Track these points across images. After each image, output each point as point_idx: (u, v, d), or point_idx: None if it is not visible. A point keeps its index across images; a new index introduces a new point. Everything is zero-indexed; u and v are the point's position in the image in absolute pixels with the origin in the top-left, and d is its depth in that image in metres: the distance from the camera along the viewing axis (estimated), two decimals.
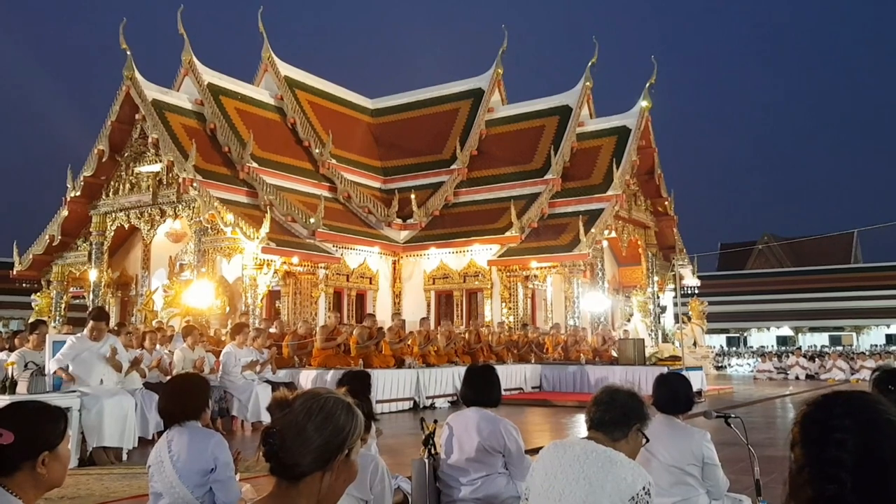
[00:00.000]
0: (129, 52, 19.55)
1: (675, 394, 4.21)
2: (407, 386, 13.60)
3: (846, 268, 54.03)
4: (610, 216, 21.10)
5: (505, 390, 15.01)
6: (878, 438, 1.32)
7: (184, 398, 3.78)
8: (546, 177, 22.28)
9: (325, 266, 19.76)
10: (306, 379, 12.71)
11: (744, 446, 4.56)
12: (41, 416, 2.16)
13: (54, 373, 7.42)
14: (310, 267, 19.29)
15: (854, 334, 49.28)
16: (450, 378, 14.33)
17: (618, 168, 21.44)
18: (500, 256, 21.06)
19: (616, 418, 2.86)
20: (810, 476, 1.33)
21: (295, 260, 18.56)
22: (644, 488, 2.59)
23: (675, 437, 4.09)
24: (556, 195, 21.99)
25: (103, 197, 20.56)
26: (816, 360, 29.76)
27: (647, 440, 2.98)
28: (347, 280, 20.93)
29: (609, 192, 21.28)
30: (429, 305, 22.12)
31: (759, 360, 31.58)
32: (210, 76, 22.01)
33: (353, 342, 13.78)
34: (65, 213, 20.92)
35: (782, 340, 50.47)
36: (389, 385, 13.10)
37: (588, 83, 24.01)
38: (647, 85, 23.11)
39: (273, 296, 19.39)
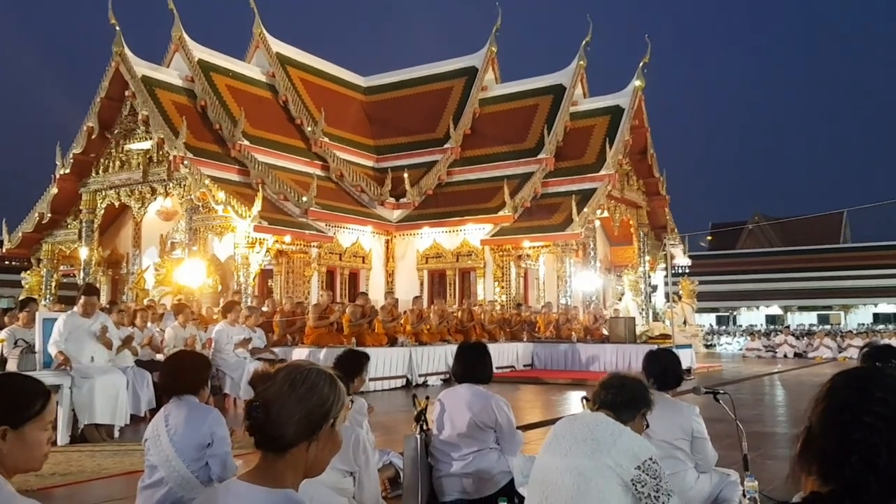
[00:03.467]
0: (118, 28, 19.33)
1: (664, 370, 4.25)
2: (399, 364, 13.66)
3: (835, 247, 54.38)
4: (602, 196, 21.11)
5: (497, 368, 15.06)
6: None
7: (183, 373, 3.80)
8: (539, 156, 22.24)
9: (317, 245, 19.73)
10: (299, 357, 12.73)
11: (732, 422, 4.61)
12: (2, 390, 1.98)
13: (55, 356, 7.40)
14: (302, 246, 19.25)
15: (842, 313, 49.72)
16: (442, 356, 14.38)
17: (611, 148, 21.43)
18: (492, 236, 21.07)
19: (626, 402, 2.98)
20: (831, 453, 1.28)
21: (287, 239, 18.52)
22: (651, 458, 2.71)
23: (665, 411, 4.13)
24: (549, 175, 21.96)
25: (93, 174, 20.42)
26: (804, 338, 30.00)
27: (648, 426, 3.12)
28: (340, 259, 20.92)
29: (602, 172, 21.28)
30: (422, 284, 22.15)
31: (748, 338, 31.80)
32: (200, 52, 21.80)
33: (346, 320, 13.81)
34: (54, 190, 20.77)
35: (771, 319, 50.85)
36: (382, 363, 13.14)
37: (582, 62, 23.91)
38: (641, 64, 23.03)
39: (265, 274, 19.36)
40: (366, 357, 4.93)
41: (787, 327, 36.29)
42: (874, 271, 47.61)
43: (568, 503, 2.66)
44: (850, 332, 34.35)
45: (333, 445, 1.80)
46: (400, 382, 13.54)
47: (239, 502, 1.69)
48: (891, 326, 42.25)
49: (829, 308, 49.89)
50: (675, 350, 12.21)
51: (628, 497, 2.65)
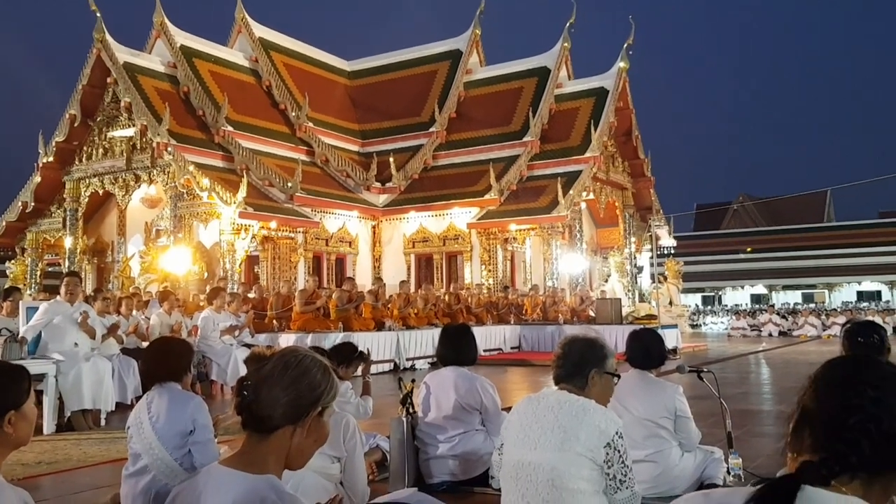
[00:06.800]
0: (98, 14, 19.10)
1: (647, 350, 4.28)
2: (387, 348, 13.68)
3: (818, 226, 54.76)
4: (588, 178, 21.14)
5: (484, 351, 15.21)
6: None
7: (165, 359, 3.78)
8: (525, 139, 22.21)
9: (303, 230, 19.67)
10: (286, 343, 12.73)
11: (717, 400, 4.66)
12: (2, 376, 2.12)
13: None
14: (288, 231, 19.20)
15: (826, 292, 50.08)
16: (429, 340, 14.40)
17: (596, 130, 21.43)
18: (479, 219, 21.08)
19: (571, 371, 2.91)
20: (828, 421, 1.29)
21: (273, 224, 18.46)
22: (617, 432, 2.68)
23: (648, 391, 4.17)
24: (534, 157, 21.96)
25: (76, 162, 20.24)
26: (789, 317, 30.27)
27: (619, 377, 3.03)
28: (327, 244, 20.87)
29: (587, 154, 21.29)
30: (409, 269, 22.15)
31: (734, 317, 32.06)
32: (183, 38, 21.59)
33: (333, 306, 13.80)
34: (37, 179, 20.60)
35: (756, 298, 51.19)
36: (370, 347, 13.14)
37: (566, 44, 23.83)
38: (625, 46, 23.00)
39: (252, 261, 19.31)
40: (360, 353, 5.02)
41: (772, 306, 36.57)
42: (858, 250, 47.98)
43: (546, 499, 2.66)
44: (835, 310, 34.68)
45: (319, 436, 1.80)
46: (388, 366, 13.57)
47: (220, 487, 1.69)
48: (874, 304, 42.68)
49: (814, 287, 50.25)
50: (660, 330, 12.29)
51: (602, 478, 2.66)
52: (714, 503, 1.38)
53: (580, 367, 2.90)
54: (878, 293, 48.88)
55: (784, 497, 1.24)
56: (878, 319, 21.45)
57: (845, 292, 49.86)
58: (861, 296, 48.94)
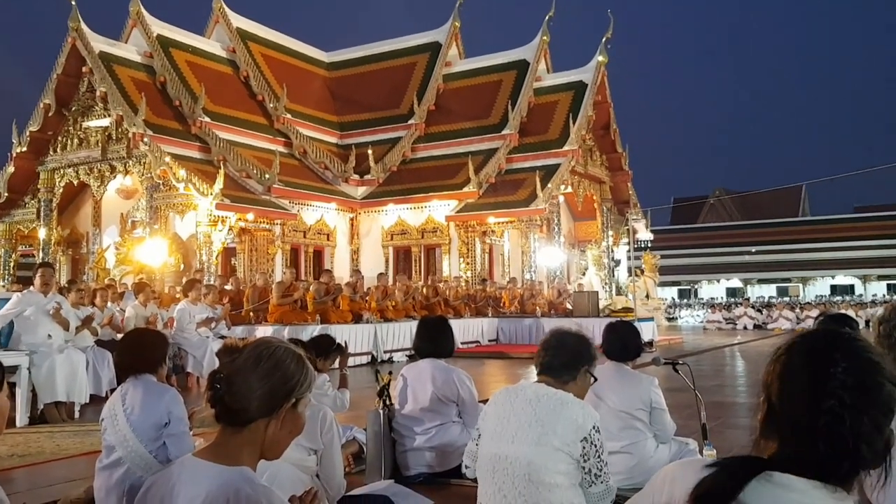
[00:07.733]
0: (73, 2, 18.82)
1: (623, 342, 4.31)
2: (365, 340, 13.66)
3: (793, 221, 55.35)
4: (566, 171, 21.21)
5: (462, 343, 15.24)
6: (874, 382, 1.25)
7: (140, 351, 3.74)
8: (503, 132, 22.22)
9: (281, 223, 19.57)
10: (263, 335, 12.66)
11: (692, 392, 4.70)
12: None
13: None
14: (265, 223, 19.10)
15: (801, 285, 50.66)
16: (407, 332, 14.38)
17: (574, 123, 21.49)
18: (457, 212, 21.08)
19: (565, 362, 2.90)
20: (796, 424, 1.26)
21: (250, 216, 18.35)
22: (594, 427, 2.69)
23: (624, 383, 4.20)
24: (513, 150, 21.98)
25: (51, 152, 19.98)
26: (764, 310, 30.61)
27: (595, 379, 3.03)
28: (304, 237, 20.79)
29: (565, 148, 21.36)
30: (387, 261, 22.13)
31: (709, 311, 32.35)
32: (159, 27, 21.34)
33: (310, 298, 13.75)
34: (11, 169, 20.33)
35: (731, 292, 51.70)
36: (347, 340, 13.12)
37: (545, 37, 23.86)
38: (604, 40, 23.07)
39: (228, 253, 19.18)
40: (338, 345, 5.01)
41: (747, 299, 36.95)
42: (832, 244, 48.58)
43: (522, 493, 2.67)
44: (809, 303, 35.06)
45: (294, 427, 1.78)
46: (365, 359, 13.55)
47: (193, 479, 1.68)
48: (847, 298, 43.24)
49: (788, 280, 50.85)
50: (637, 323, 12.37)
51: (578, 471, 2.67)
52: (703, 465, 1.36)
53: (575, 361, 2.90)
54: (852, 287, 49.55)
55: (748, 471, 1.25)
56: (851, 313, 21.75)
57: (819, 286, 50.50)
58: (835, 289, 49.58)
